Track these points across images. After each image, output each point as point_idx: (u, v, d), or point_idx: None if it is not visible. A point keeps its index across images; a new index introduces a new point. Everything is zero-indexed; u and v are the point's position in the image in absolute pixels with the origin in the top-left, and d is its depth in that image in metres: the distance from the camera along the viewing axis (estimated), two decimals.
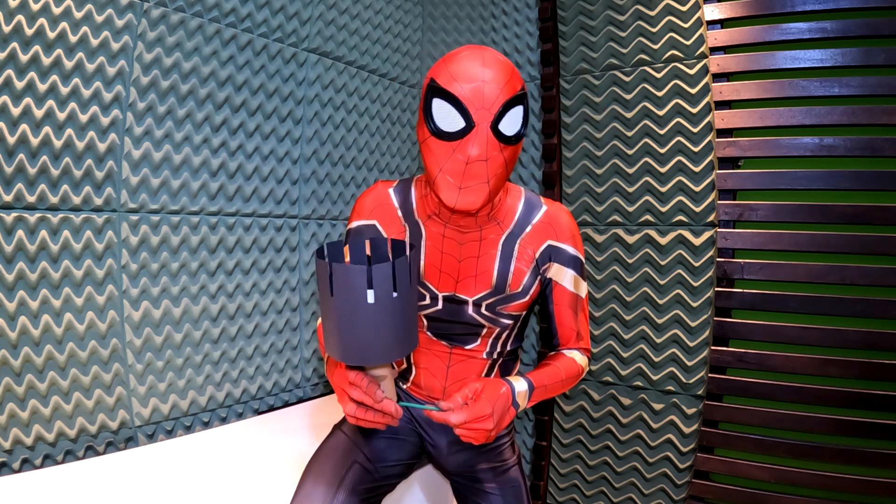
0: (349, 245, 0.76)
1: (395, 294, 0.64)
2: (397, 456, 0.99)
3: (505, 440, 1.04)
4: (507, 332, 0.96)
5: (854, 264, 1.29)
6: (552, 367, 0.89)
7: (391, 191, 0.96)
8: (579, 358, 0.94)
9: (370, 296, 0.62)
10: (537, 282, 0.93)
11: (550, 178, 1.70)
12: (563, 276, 0.93)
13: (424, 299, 0.92)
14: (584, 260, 0.95)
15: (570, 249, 0.92)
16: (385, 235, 0.93)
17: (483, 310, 0.92)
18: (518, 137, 0.79)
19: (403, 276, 0.65)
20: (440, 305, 0.92)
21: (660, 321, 1.51)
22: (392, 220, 0.94)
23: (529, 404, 0.83)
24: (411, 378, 1.01)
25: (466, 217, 0.87)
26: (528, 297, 0.92)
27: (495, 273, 0.90)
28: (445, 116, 0.76)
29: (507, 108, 0.76)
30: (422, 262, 0.92)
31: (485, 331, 0.94)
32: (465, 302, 0.92)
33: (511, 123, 0.77)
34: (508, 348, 0.99)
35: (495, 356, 0.96)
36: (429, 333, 0.96)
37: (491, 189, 0.78)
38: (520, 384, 0.82)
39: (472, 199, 0.78)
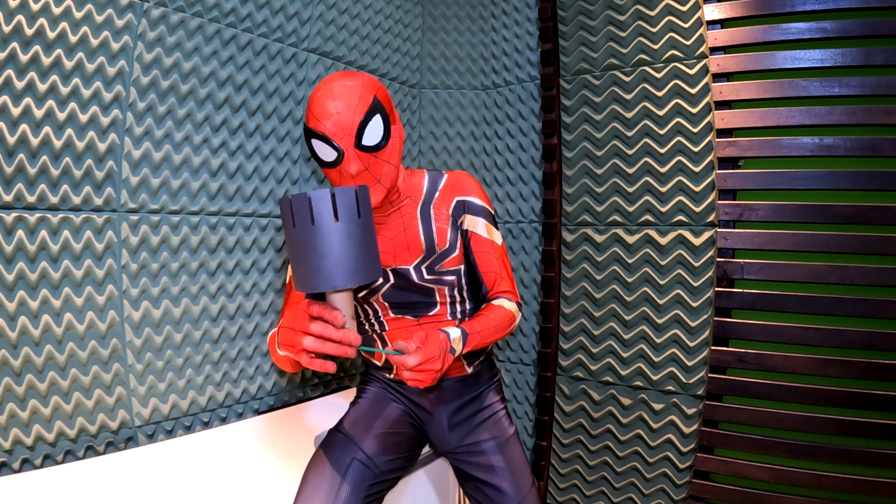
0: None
1: (359, 217, 0.71)
2: (395, 450, 1.00)
3: (500, 410, 1.11)
4: (456, 289, 1.06)
5: (854, 264, 1.29)
6: (482, 316, 0.98)
7: None
8: (507, 304, 1.03)
9: (334, 218, 0.69)
10: (459, 235, 1.04)
11: (550, 178, 1.70)
12: (477, 225, 1.04)
13: (378, 280, 1.00)
14: (493, 213, 1.08)
15: (478, 201, 1.05)
16: None
17: (425, 273, 1.02)
18: (385, 141, 0.90)
19: (365, 203, 0.73)
20: (391, 280, 1.02)
21: (660, 321, 1.51)
22: None
23: (466, 349, 0.92)
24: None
25: (382, 205, 1.00)
26: (458, 251, 1.04)
27: (422, 238, 1.02)
28: (322, 150, 0.89)
29: (363, 126, 0.87)
30: None
31: (437, 293, 1.04)
32: (408, 270, 1.02)
33: (372, 134, 0.88)
34: (468, 306, 1.09)
35: (459, 315, 1.07)
36: (392, 314, 1.05)
37: (386, 186, 0.92)
38: (454, 331, 0.91)
39: (375, 197, 0.92)
